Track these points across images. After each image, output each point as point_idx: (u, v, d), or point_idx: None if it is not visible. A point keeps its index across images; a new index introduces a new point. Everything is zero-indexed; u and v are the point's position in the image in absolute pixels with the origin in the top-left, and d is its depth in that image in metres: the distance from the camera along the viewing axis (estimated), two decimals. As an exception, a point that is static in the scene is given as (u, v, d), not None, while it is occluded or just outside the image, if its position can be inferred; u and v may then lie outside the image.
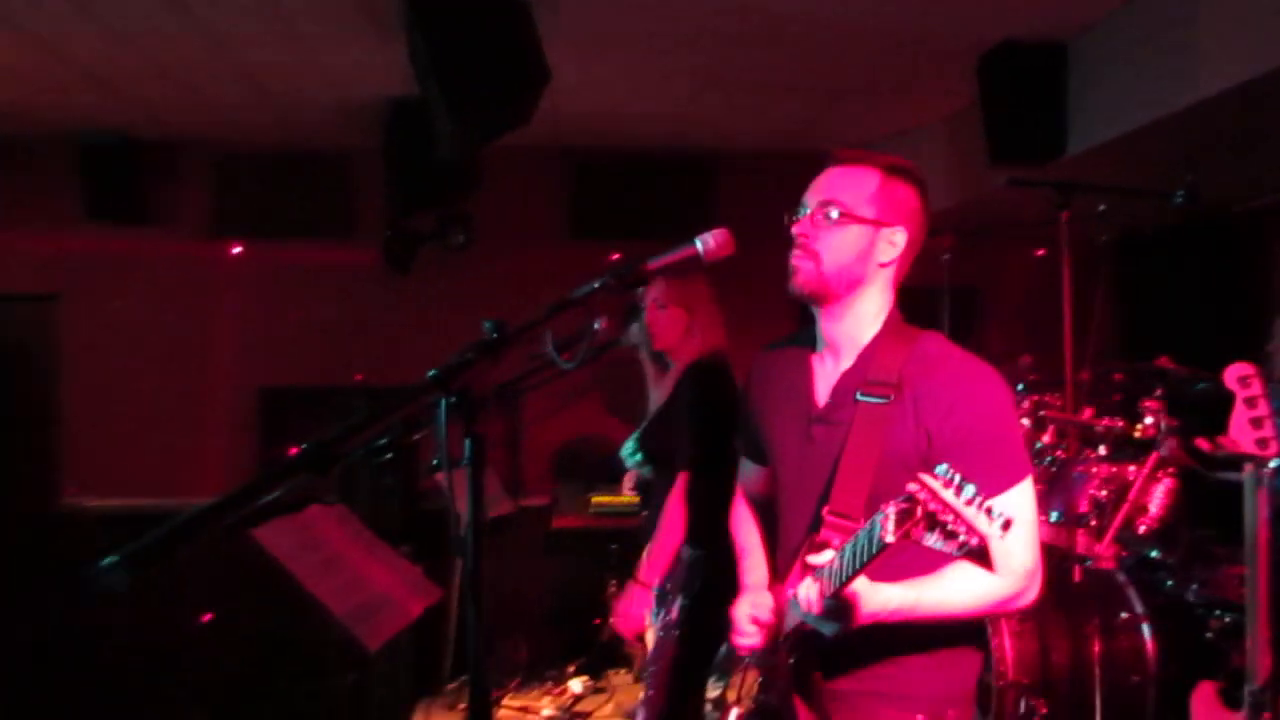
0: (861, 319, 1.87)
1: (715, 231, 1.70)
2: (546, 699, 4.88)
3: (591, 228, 5.92)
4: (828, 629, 1.71)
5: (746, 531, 2.17)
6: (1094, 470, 3.14)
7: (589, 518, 5.35)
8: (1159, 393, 3.12)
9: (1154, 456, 3.04)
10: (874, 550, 1.52)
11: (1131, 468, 3.12)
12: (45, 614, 5.58)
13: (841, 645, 1.79)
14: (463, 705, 4.75)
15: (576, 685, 4.88)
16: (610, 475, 4.57)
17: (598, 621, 4.66)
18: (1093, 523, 3.09)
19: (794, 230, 1.87)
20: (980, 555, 1.72)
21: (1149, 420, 3.11)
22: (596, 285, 1.64)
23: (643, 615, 3.10)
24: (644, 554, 3.13)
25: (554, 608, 5.35)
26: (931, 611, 1.74)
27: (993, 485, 1.76)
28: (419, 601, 2.48)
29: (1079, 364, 3.25)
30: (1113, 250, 5.82)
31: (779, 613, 1.87)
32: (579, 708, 4.72)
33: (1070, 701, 3.28)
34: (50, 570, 5.62)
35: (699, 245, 1.70)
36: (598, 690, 4.79)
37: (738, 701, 1.97)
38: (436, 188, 5.09)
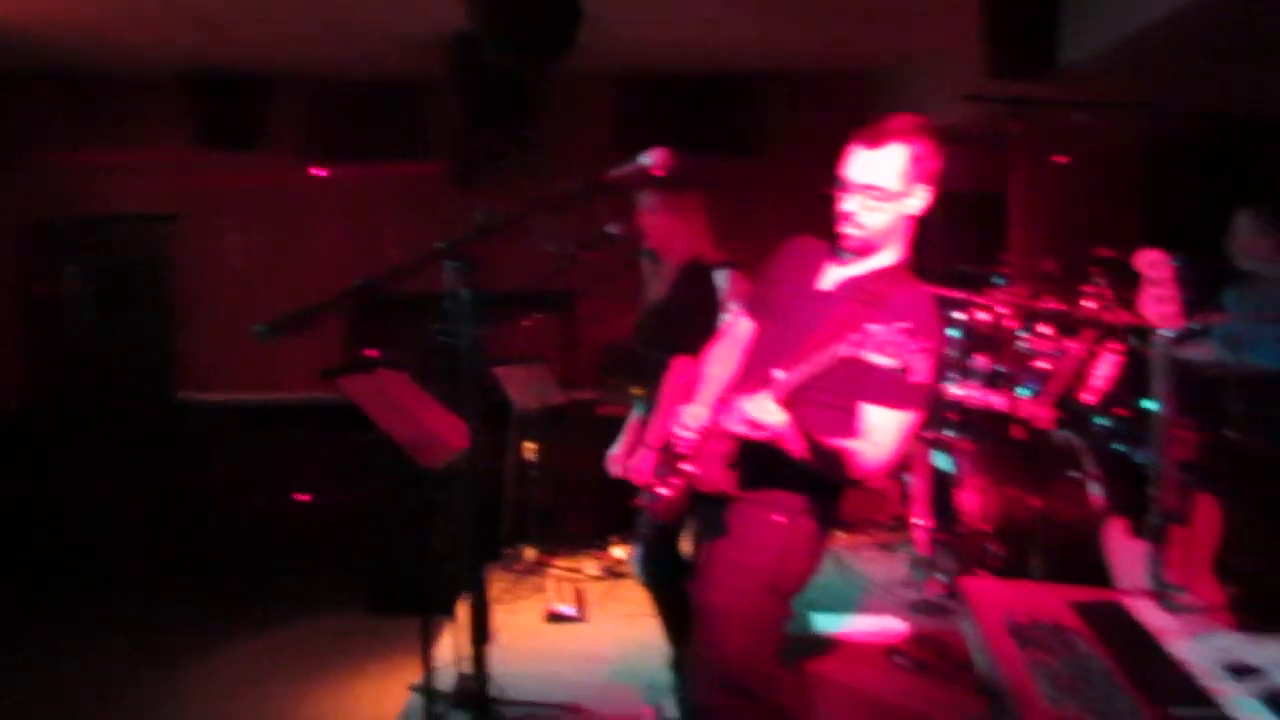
0: (883, 252, 2.50)
1: (657, 150, 2.33)
2: (592, 562, 5.68)
3: (642, 147, 6.48)
4: (756, 430, 2.26)
5: (718, 365, 2.79)
6: (1038, 346, 3.70)
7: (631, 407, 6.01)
8: (1099, 278, 3.65)
9: (1090, 334, 3.58)
10: (827, 361, 2.13)
11: (1071, 343, 3.67)
12: (167, 493, 6.56)
13: (741, 471, 2.44)
14: (519, 565, 5.58)
15: (619, 551, 5.65)
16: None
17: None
18: (1027, 388, 3.66)
19: (839, 206, 2.43)
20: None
21: (1090, 303, 3.64)
22: (569, 193, 2.27)
23: (649, 471, 3.61)
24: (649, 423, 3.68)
25: (601, 487, 6.06)
26: (815, 461, 2.31)
27: (888, 399, 2.35)
28: (462, 440, 3.19)
29: (1031, 256, 3.77)
30: (1135, 155, 6.24)
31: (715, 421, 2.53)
32: (619, 569, 5.50)
33: (1022, 546, 3.89)
34: (169, 454, 6.61)
35: (645, 161, 2.32)
36: (637, 556, 5.56)
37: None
38: (496, 113, 5.73)
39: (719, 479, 2.50)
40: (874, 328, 2.04)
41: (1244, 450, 3.59)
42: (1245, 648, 1.76)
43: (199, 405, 6.60)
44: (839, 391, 2.41)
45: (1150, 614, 2.01)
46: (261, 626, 5.09)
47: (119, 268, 6.76)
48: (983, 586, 2.16)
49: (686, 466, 2.59)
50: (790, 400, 2.26)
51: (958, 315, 4.15)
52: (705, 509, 2.61)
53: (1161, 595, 3.12)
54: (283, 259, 6.79)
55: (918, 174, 2.39)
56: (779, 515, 2.48)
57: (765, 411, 2.24)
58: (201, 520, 6.44)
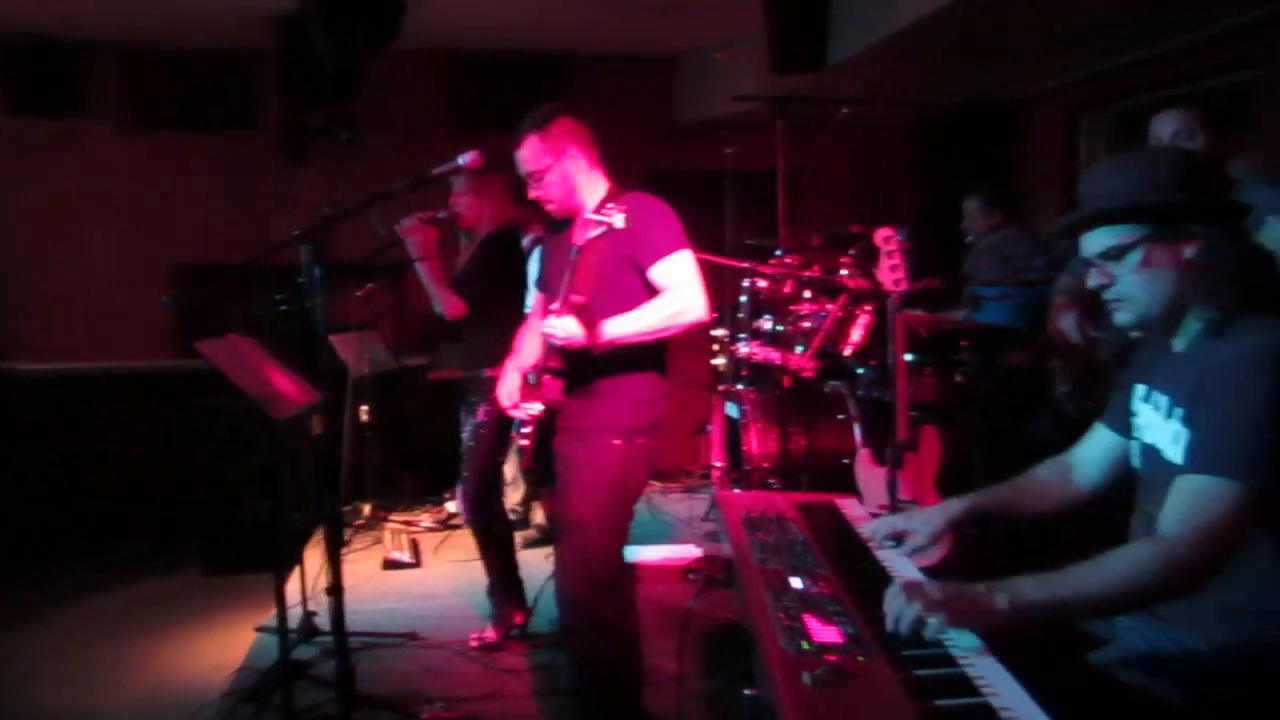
0: (588, 198, 3.21)
1: (470, 151, 2.99)
2: (426, 515, 6.30)
3: (465, 123, 7.07)
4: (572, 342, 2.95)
5: (526, 339, 3.48)
6: (802, 308, 4.55)
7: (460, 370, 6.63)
8: (852, 250, 4.51)
9: (843, 298, 4.44)
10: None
11: (829, 305, 4.53)
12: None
13: (570, 394, 3.11)
14: (357, 520, 6.14)
15: (452, 506, 6.29)
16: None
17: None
18: (800, 345, 4.51)
19: (530, 195, 3.17)
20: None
21: (844, 272, 4.50)
22: (399, 185, 2.90)
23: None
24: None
25: (435, 445, 6.65)
26: (638, 332, 3.03)
27: (663, 251, 3.08)
28: (306, 397, 3.76)
29: (796, 232, 4.60)
30: (902, 140, 7.22)
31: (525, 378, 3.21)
32: (453, 521, 6.14)
33: (796, 477, 4.74)
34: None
35: (461, 160, 2.98)
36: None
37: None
38: (324, 89, 6.17)
39: (553, 396, 3.11)
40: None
41: (967, 391, 4.53)
42: (902, 520, 2.55)
43: (23, 375, 6.78)
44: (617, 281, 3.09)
45: (851, 508, 2.79)
46: (100, 590, 5.40)
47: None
48: (732, 496, 2.92)
49: (525, 430, 3.23)
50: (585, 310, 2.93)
51: (745, 283, 4.96)
52: (557, 450, 3.23)
53: (896, 508, 3.98)
54: (106, 228, 6.99)
55: (559, 145, 3.11)
56: (616, 439, 3.14)
57: (567, 329, 2.93)
58: (30, 489, 6.58)
